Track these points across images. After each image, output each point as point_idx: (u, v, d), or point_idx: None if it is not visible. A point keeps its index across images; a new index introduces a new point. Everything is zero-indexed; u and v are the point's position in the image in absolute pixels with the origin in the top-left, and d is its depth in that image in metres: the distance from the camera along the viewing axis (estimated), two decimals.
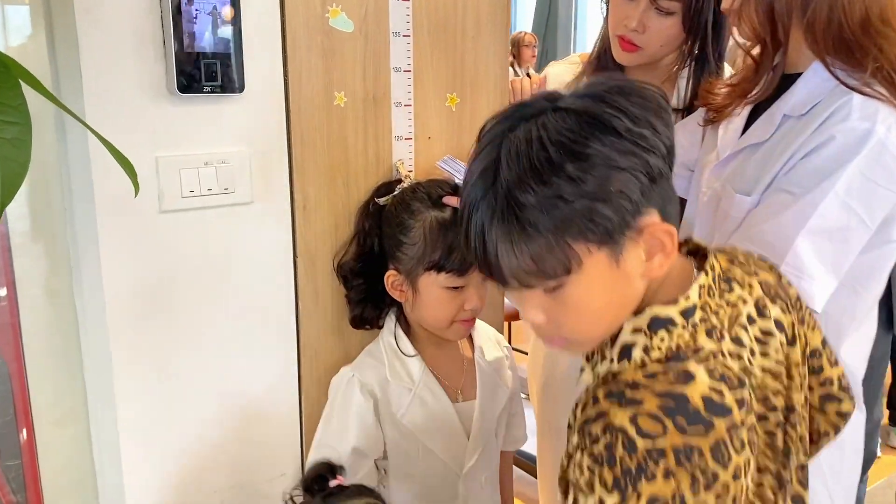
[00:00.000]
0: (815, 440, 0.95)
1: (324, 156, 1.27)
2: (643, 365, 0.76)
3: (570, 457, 0.78)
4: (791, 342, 0.86)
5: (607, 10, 1.49)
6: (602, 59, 1.55)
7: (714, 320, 0.79)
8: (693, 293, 0.79)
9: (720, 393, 0.72)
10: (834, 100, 1.07)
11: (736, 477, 0.72)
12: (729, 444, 0.71)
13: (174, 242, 1.16)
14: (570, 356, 1.75)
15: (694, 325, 0.77)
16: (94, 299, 1.15)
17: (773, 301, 0.86)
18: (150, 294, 1.15)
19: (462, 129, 1.43)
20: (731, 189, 1.15)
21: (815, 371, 0.92)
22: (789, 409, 0.84)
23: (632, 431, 0.70)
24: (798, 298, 0.91)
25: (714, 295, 0.81)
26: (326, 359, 1.35)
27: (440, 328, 1.28)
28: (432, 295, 1.24)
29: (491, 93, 1.46)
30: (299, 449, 1.35)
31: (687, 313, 0.78)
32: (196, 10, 1.08)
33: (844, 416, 0.94)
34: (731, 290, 0.83)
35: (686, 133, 1.36)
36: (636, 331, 0.78)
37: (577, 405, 0.80)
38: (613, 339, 0.80)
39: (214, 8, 1.10)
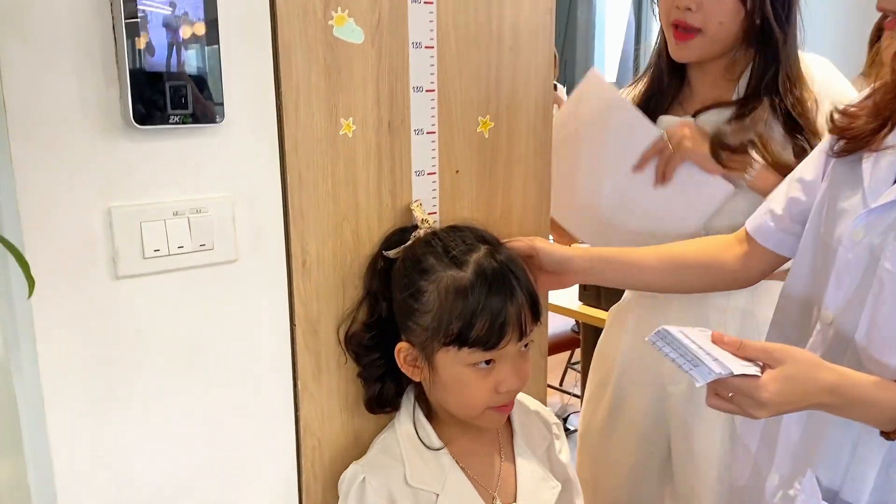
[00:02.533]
0: None
1: (327, 199, 1.01)
2: None
3: None
4: None
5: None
6: (662, 59, 1.37)
7: None
8: None
9: None
10: None
11: None
12: None
13: (135, 316, 0.90)
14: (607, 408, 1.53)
15: None
16: (31, 392, 0.89)
17: None
18: (103, 383, 0.89)
19: (496, 161, 1.17)
20: None
21: None
22: None
23: None
24: None
25: None
26: (332, 449, 1.09)
27: (468, 416, 1.01)
28: (454, 376, 0.98)
29: (532, 115, 1.20)
30: None
31: None
32: (158, 16, 0.82)
33: None
34: None
35: (810, 168, 1.08)
36: None
37: None
38: None
39: (184, 14, 0.84)
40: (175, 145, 0.88)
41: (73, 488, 0.89)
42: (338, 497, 1.05)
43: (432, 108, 1.08)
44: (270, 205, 0.97)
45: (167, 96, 0.84)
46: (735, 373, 0.84)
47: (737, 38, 1.31)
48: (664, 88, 1.40)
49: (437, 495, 1.01)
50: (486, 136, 1.15)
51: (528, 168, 1.21)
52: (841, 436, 0.96)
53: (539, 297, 1.00)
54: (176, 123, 0.86)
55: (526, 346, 1.00)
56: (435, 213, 1.11)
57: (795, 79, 1.29)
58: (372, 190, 1.05)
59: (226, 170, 0.93)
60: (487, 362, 0.97)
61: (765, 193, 1.18)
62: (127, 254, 0.87)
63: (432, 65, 1.07)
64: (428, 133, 1.09)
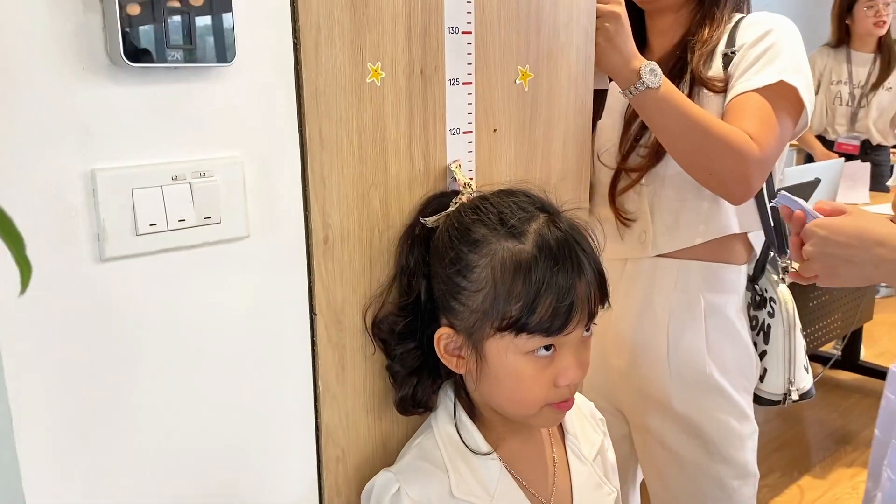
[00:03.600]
0: None
1: (353, 161, 0.84)
2: None
3: None
4: None
5: None
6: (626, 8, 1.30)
7: None
8: None
9: None
10: None
11: None
12: None
13: (126, 306, 0.71)
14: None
15: None
16: None
17: None
18: (87, 392, 0.71)
19: (536, 118, 1.01)
20: None
21: None
22: None
23: None
24: None
25: None
26: (357, 459, 0.92)
27: (523, 415, 0.86)
28: (508, 367, 0.82)
29: (573, 66, 1.04)
30: None
31: None
32: None
33: None
34: None
35: None
36: None
37: None
38: None
39: None
40: (173, 92, 0.70)
41: None
42: None
43: (469, 53, 0.92)
44: (287, 168, 0.79)
45: (165, 30, 0.66)
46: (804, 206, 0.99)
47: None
48: None
49: None
50: (526, 90, 0.99)
51: (568, 128, 1.05)
52: None
53: (607, 275, 0.85)
54: (176, 63, 0.67)
55: (589, 330, 0.85)
56: (472, 178, 0.95)
57: (709, 32, 1.28)
58: (403, 150, 0.88)
59: (234, 123, 0.75)
60: (547, 348, 0.81)
61: (644, 115, 1.18)
62: (116, 230, 0.69)
63: (469, 1, 0.90)
64: (464, 84, 0.92)
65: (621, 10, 1.10)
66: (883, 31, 3.53)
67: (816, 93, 3.75)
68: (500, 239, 0.81)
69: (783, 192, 0.96)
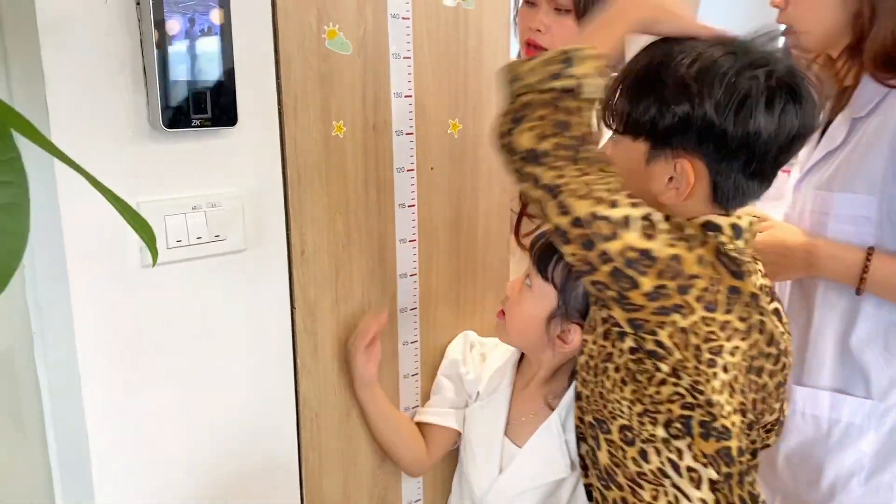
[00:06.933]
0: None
1: (322, 194, 1.13)
2: None
3: None
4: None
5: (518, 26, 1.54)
6: None
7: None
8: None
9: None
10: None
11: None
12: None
13: (159, 300, 0.99)
14: None
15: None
16: (65, 370, 0.97)
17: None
18: (131, 361, 0.98)
19: (464, 158, 1.31)
20: (825, 192, 1.21)
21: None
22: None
23: None
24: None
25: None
26: (328, 422, 1.20)
27: None
28: None
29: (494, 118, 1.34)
30: None
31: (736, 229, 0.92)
32: (180, 31, 0.93)
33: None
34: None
35: None
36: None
37: None
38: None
39: (202, 30, 0.95)
40: (195, 146, 0.98)
41: (107, 466, 0.98)
42: (333, 470, 1.20)
43: (410, 111, 1.21)
44: (274, 199, 1.08)
45: (190, 103, 0.95)
46: None
47: None
48: None
49: (478, 393, 1.26)
50: (456, 137, 1.29)
51: (491, 168, 1.35)
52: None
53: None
54: (197, 126, 0.96)
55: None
56: (414, 204, 1.24)
57: None
58: (360, 185, 1.17)
59: (236, 168, 1.03)
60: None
61: None
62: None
63: (409, 73, 1.20)
64: (407, 134, 1.21)
65: None
66: None
67: None
68: None
69: None
